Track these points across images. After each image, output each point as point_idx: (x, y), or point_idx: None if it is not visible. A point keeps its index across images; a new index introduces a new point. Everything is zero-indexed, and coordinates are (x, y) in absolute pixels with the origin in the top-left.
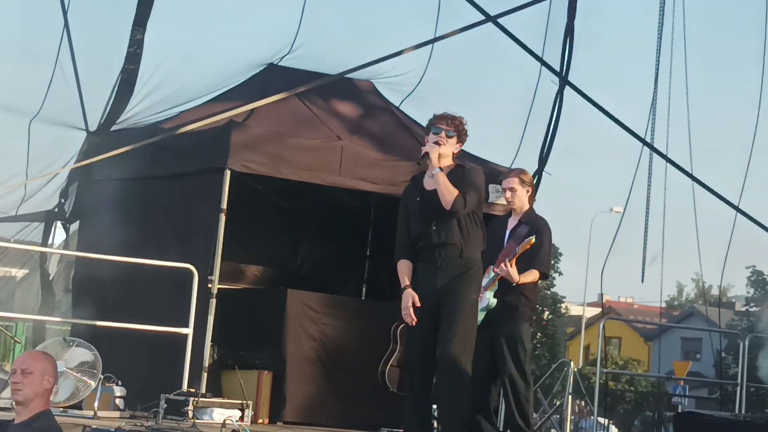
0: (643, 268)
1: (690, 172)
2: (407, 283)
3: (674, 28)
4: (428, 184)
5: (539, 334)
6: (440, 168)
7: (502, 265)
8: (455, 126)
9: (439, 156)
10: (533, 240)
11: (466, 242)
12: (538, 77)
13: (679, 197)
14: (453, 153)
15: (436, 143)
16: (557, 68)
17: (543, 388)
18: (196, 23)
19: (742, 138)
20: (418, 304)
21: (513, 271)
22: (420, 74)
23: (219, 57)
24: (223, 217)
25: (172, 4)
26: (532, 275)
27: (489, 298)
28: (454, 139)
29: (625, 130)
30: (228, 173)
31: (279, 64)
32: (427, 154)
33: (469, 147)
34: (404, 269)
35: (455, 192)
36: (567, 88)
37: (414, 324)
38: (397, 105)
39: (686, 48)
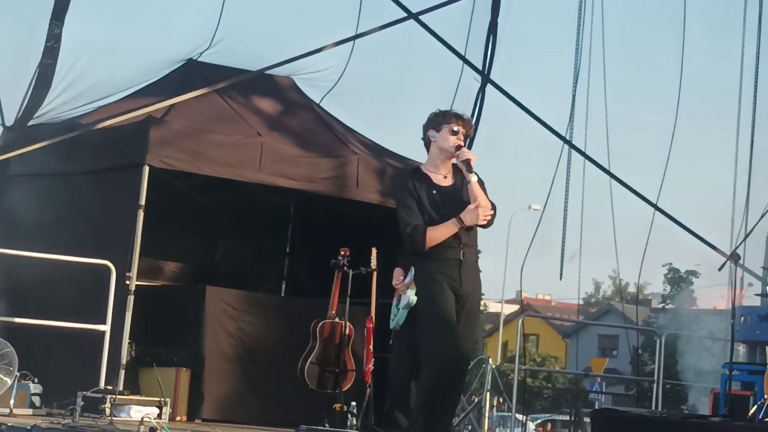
0: (562, 266)
1: (608, 169)
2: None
3: (593, 28)
4: (442, 182)
5: None
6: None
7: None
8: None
9: (449, 159)
10: None
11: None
12: (460, 74)
13: (597, 195)
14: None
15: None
16: (480, 65)
17: None
18: (115, 18)
19: (660, 137)
20: None
21: None
22: (341, 70)
23: (138, 52)
24: (141, 214)
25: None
26: None
27: (410, 296)
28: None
29: (545, 128)
30: (146, 169)
31: (199, 59)
32: (468, 161)
33: (391, 144)
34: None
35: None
36: (489, 86)
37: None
38: (317, 102)
39: (605, 48)
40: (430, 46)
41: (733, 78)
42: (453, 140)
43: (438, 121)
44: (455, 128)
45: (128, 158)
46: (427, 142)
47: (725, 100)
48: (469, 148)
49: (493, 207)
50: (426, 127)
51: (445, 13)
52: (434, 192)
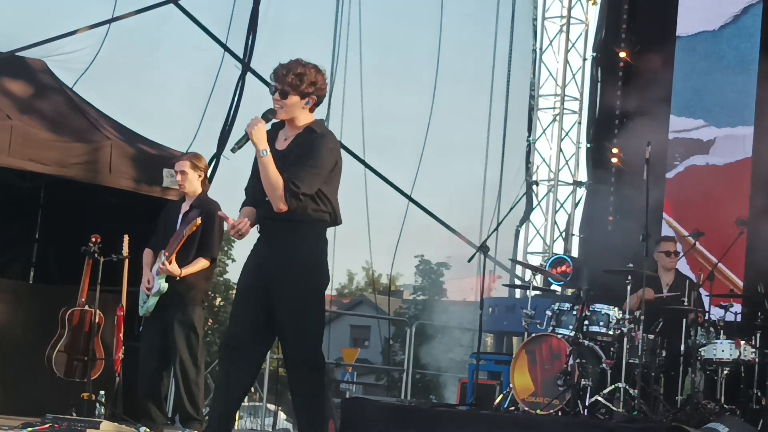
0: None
1: (364, 159)
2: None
3: (350, 18)
4: (279, 143)
5: (210, 321)
6: (267, 150)
7: (159, 264)
8: (290, 82)
9: (285, 121)
10: (198, 221)
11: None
12: (221, 62)
13: (353, 186)
14: (303, 109)
15: (267, 114)
16: (241, 52)
17: (214, 374)
18: None
19: (416, 129)
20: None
21: (173, 267)
22: (94, 52)
23: None
24: None
25: None
26: (200, 264)
27: (160, 283)
28: (294, 98)
29: None
30: None
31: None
32: (245, 135)
33: (146, 131)
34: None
35: (280, 186)
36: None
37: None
38: (70, 86)
39: (362, 38)
40: (190, 32)
41: (486, 73)
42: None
43: None
44: (270, 91)
45: None
46: None
47: (478, 95)
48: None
49: (294, 183)
50: None
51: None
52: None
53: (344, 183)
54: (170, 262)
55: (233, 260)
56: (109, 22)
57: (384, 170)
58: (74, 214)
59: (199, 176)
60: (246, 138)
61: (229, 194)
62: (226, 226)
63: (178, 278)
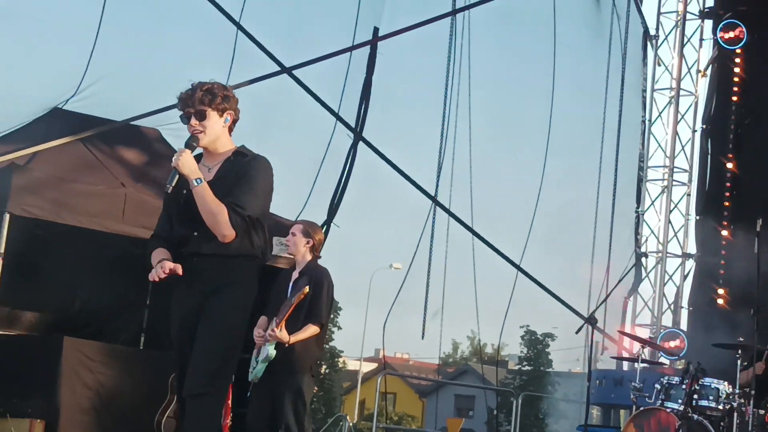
0: (424, 325)
1: (472, 228)
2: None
3: (460, 88)
4: (204, 176)
5: (316, 388)
6: (201, 179)
7: (269, 331)
8: (201, 99)
9: (208, 148)
10: (306, 290)
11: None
12: (332, 130)
13: (461, 254)
14: (224, 127)
15: (191, 142)
16: (353, 121)
17: None
18: None
19: (526, 199)
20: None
21: (282, 334)
22: None
23: (2, 98)
24: (0, 262)
25: None
26: (309, 331)
27: (269, 350)
28: (213, 115)
29: (415, 187)
30: (7, 217)
31: (64, 108)
32: (175, 170)
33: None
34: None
35: (224, 212)
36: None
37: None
38: None
39: (471, 109)
40: (301, 100)
41: (595, 144)
42: (188, 129)
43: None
44: (182, 119)
45: None
46: None
47: (588, 166)
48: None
49: (236, 209)
50: None
51: (319, 68)
52: (184, 192)
53: (452, 251)
54: (279, 329)
55: (339, 328)
56: None
57: (492, 239)
58: None
59: (307, 243)
60: (176, 173)
61: (339, 261)
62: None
63: (287, 345)
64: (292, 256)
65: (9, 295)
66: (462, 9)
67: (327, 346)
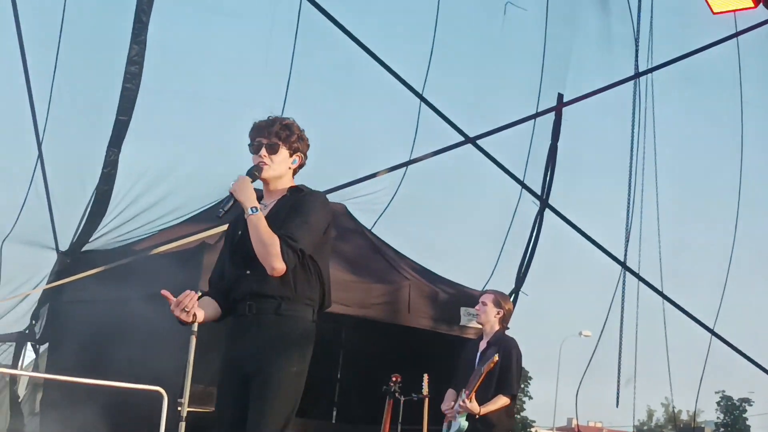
0: (618, 392)
1: (662, 292)
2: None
3: (645, 151)
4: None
5: None
6: (257, 208)
7: (460, 402)
8: (277, 133)
9: (268, 184)
10: (496, 359)
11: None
12: (518, 198)
13: (652, 319)
14: (290, 169)
15: (253, 170)
16: (538, 187)
17: None
18: (170, 144)
19: (718, 261)
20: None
21: (473, 405)
22: (392, 192)
23: (192, 178)
24: (194, 339)
25: (147, 125)
26: (500, 401)
27: (461, 422)
28: (284, 152)
29: (604, 252)
30: (200, 295)
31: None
32: (230, 196)
33: (442, 269)
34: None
35: (276, 244)
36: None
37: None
38: (369, 227)
39: (657, 172)
40: (485, 169)
41: None
42: (254, 158)
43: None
44: (251, 149)
45: (183, 284)
46: None
47: None
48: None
49: (288, 241)
50: None
51: (502, 137)
52: (240, 233)
53: (643, 316)
54: (470, 400)
55: (530, 397)
56: (407, 164)
57: (684, 303)
58: (374, 354)
59: (498, 313)
60: (232, 199)
61: (528, 330)
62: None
63: (477, 416)
64: (480, 326)
65: (202, 372)
66: (645, 72)
67: (518, 416)
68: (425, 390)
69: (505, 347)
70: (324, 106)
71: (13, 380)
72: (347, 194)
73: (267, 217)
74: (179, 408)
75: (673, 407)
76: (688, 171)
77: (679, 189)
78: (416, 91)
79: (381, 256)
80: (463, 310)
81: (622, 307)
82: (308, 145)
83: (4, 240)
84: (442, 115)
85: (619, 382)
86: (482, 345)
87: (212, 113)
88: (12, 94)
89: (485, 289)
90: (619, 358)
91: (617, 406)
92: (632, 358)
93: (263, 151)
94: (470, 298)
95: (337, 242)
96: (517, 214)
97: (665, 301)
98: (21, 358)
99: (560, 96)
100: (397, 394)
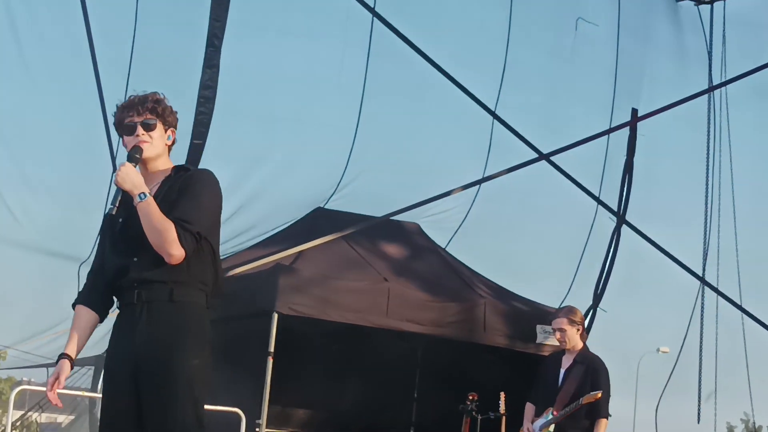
0: (699, 408)
1: (741, 305)
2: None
3: (722, 164)
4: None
5: None
6: (145, 193)
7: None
8: (153, 108)
9: (146, 165)
10: (599, 395)
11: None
12: (594, 214)
13: (731, 334)
14: (166, 146)
15: (134, 153)
16: (614, 203)
17: None
18: (244, 166)
19: None
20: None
21: None
22: (465, 210)
23: (267, 200)
24: (270, 361)
25: (220, 148)
26: (602, 426)
27: None
28: (159, 127)
29: (682, 267)
30: (276, 316)
31: (325, 206)
32: (117, 189)
33: (517, 286)
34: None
35: (171, 229)
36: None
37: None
38: (443, 246)
39: (734, 184)
40: (562, 186)
41: None
42: (129, 141)
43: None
44: (124, 130)
45: (258, 306)
46: None
47: None
48: None
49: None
50: None
51: (576, 153)
52: (120, 221)
53: (722, 330)
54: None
55: (609, 414)
56: (480, 182)
57: (764, 316)
58: (450, 373)
59: (578, 330)
60: (118, 192)
61: (606, 346)
62: None
63: None
64: (558, 344)
65: (280, 393)
66: (719, 86)
67: None
68: (502, 408)
69: (594, 369)
70: (397, 125)
71: (93, 403)
72: (421, 213)
73: (156, 202)
74: (257, 429)
75: (754, 422)
76: (765, 183)
77: (757, 201)
78: (489, 109)
79: (456, 274)
80: (539, 327)
81: (702, 322)
82: (177, 119)
83: (81, 264)
84: (515, 131)
85: (699, 398)
86: (566, 361)
87: (286, 134)
88: (87, 120)
89: (552, 317)
90: (699, 373)
91: (698, 422)
92: (712, 374)
93: (139, 130)
94: (546, 315)
95: (411, 261)
96: (593, 231)
97: (744, 315)
98: (99, 381)
99: (634, 111)
100: (474, 413)
